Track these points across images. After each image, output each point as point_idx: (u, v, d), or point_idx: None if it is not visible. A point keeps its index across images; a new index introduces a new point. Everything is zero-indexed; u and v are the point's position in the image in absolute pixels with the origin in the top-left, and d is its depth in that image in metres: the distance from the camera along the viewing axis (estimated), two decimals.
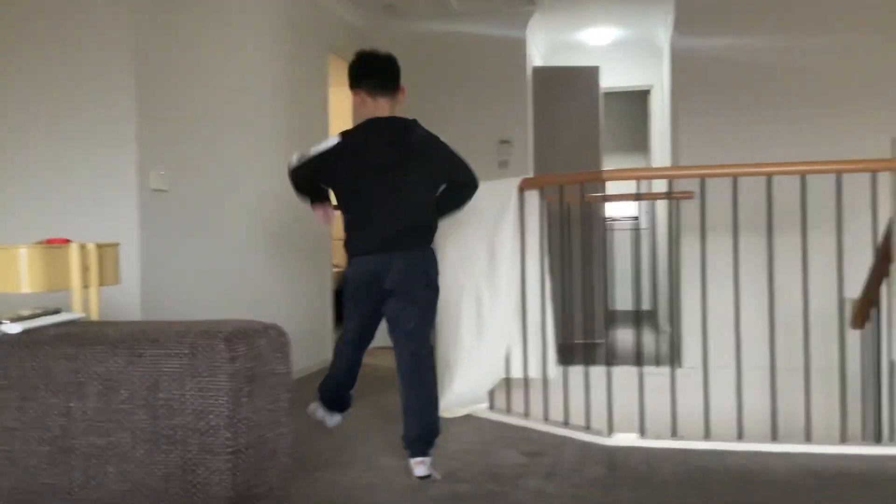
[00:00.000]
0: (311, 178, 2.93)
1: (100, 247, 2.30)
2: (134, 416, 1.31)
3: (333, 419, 3.23)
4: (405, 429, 2.91)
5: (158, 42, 3.58)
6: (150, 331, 1.37)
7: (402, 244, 2.84)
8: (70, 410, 1.35)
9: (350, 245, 2.91)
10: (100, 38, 3.40)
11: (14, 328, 1.44)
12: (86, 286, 2.23)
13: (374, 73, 2.96)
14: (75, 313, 1.55)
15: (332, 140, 2.89)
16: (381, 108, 2.95)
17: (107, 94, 3.39)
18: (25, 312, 1.50)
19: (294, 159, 2.94)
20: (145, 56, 3.46)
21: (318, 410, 3.22)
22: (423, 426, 2.89)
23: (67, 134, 3.43)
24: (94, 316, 2.25)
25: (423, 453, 2.85)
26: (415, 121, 3.01)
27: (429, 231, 2.94)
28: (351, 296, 2.95)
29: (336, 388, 3.15)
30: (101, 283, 2.29)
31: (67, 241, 2.23)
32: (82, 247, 2.23)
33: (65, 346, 1.38)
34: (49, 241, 2.21)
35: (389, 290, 2.85)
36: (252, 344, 1.34)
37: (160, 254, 3.54)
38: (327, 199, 3.01)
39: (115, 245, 2.40)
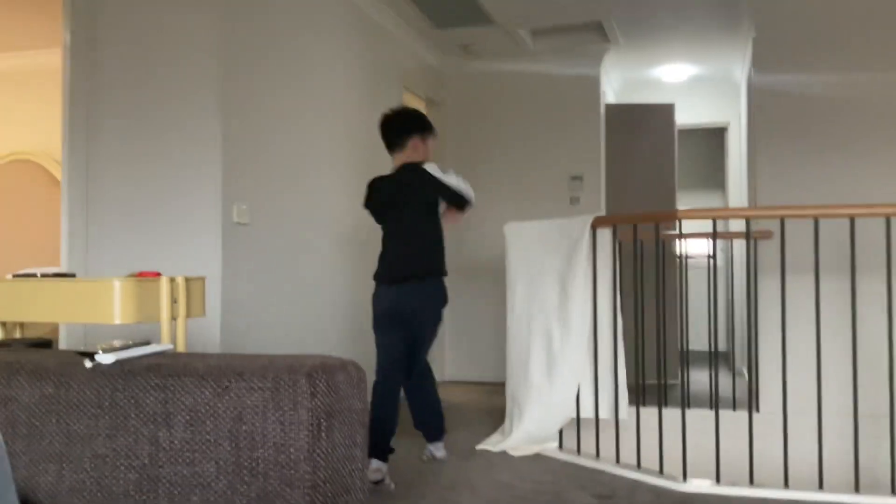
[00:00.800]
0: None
1: (188, 280, 2.39)
2: (218, 447, 1.36)
3: (373, 467, 3.18)
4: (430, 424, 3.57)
5: (242, 82, 3.73)
6: (236, 364, 1.42)
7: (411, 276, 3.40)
8: (158, 439, 1.40)
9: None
10: (190, 84, 3.56)
11: (107, 358, 1.50)
12: (174, 318, 2.32)
13: (382, 134, 3.55)
14: (164, 345, 1.61)
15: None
16: (395, 161, 3.52)
17: (195, 134, 3.54)
18: (118, 343, 1.57)
19: None
20: (230, 96, 3.61)
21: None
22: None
23: (158, 171, 3.59)
24: (182, 347, 2.33)
25: (440, 436, 3.62)
26: (421, 163, 3.44)
27: (430, 264, 3.43)
28: (376, 324, 3.49)
29: (374, 432, 3.14)
30: (189, 316, 2.38)
31: (158, 274, 2.32)
32: (172, 280, 2.33)
33: (154, 376, 1.44)
34: (141, 274, 2.31)
35: (405, 317, 3.36)
36: (331, 380, 1.37)
37: (241, 285, 3.65)
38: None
39: (201, 279, 2.49)
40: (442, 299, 3.45)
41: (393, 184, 3.45)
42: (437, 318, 3.48)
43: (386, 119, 3.55)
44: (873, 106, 4.61)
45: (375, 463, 3.17)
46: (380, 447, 3.21)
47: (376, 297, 3.46)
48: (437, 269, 3.43)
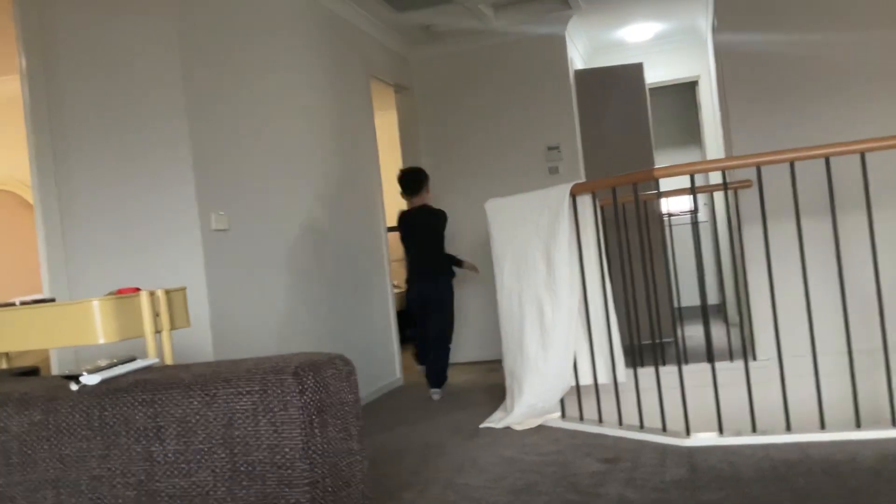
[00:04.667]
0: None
1: (168, 292, 2.37)
2: (213, 455, 1.35)
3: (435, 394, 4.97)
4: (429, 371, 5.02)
5: (206, 89, 3.69)
6: (222, 371, 1.41)
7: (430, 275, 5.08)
8: (152, 454, 1.39)
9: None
10: (153, 96, 3.52)
11: (93, 379, 1.49)
12: (158, 331, 2.30)
13: (403, 184, 5.13)
14: (149, 359, 1.60)
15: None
16: (412, 202, 5.12)
17: (164, 146, 3.51)
18: (103, 363, 1.56)
19: None
20: (195, 103, 3.57)
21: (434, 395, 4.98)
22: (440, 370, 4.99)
23: (131, 187, 3.55)
24: (169, 360, 2.32)
25: (439, 385, 4.99)
26: (429, 205, 5.14)
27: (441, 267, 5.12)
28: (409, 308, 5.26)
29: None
30: (172, 327, 2.36)
31: (137, 289, 2.31)
32: (151, 294, 2.31)
33: (142, 392, 1.43)
34: (120, 291, 2.29)
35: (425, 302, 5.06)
36: (319, 376, 1.37)
37: (227, 291, 3.63)
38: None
39: (182, 289, 2.48)
40: (450, 291, 5.11)
41: (418, 217, 5.09)
42: (444, 304, 5.07)
43: (404, 175, 5.20)
44: (839, 58, 4.62)
45: (435, 391, 4.95)
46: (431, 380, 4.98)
47: (408, 292, 5.18)
48: (448, 271, 5.13)
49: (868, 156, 3.18)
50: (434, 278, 5.02)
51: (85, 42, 3.60)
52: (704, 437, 3.26)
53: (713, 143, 7.20)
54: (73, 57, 3.60)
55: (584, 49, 7.33)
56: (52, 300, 2.42)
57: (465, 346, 6.16)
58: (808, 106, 4.61)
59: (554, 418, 3.85)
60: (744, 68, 4.74)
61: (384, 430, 4.13)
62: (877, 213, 3.22)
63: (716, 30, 5.24)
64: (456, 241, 6.23)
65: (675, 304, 5.00)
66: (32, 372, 2.06)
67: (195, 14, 3.68)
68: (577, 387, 3.80)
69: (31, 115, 3.55)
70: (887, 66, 4.53)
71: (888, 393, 3.23)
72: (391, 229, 5.67)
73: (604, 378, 3.77)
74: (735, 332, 5.42)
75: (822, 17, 4.64)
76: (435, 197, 6.52)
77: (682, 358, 3.53)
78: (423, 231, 5.07)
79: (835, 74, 4.59)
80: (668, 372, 3.50)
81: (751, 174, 3.44)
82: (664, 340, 4.55)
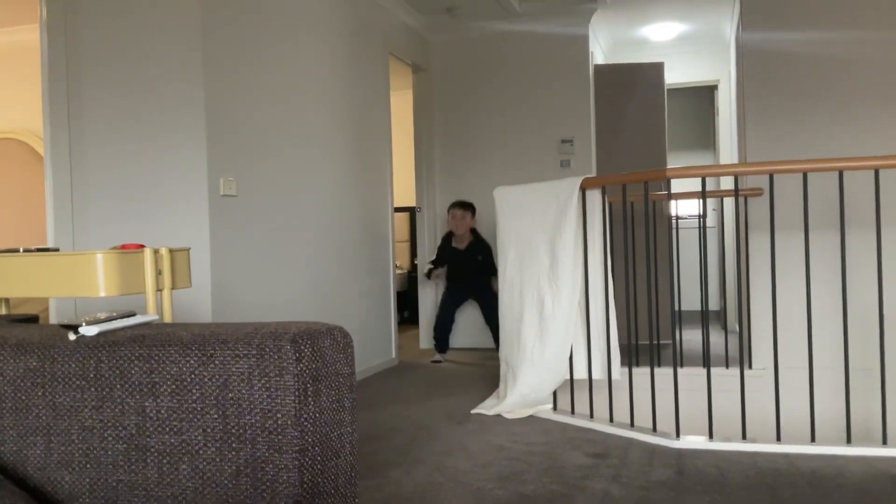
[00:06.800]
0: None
1: (172, 251, 2.37)
2: (205, 415, 1.35)
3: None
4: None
5: (224, 53, 3.68)
6: (220, 332, 1.41)
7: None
8: (145, 409, 1.40)
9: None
10: (171, 56, 3.51)
11: (91, 330, 1.49)
12: (159, 289, 2.31)
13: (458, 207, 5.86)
14: (149, 315, 1.60)
15: None
16: (462, 226, 5.81)
17: (178, 107, 3.51)
18: (102, 315, 1.56)
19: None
20: (213, 67, 3.56)
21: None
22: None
23: (142, 145, 3.55)
24: (168, 318, 2.33)
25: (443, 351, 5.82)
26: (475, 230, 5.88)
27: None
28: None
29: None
30: (174, 287, 2.36)
31: (141, 246, 2.31)
32: (155, 251, 2.31)
33: (139, 347, 1.43)
34: (124, 247, 2.29)
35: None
36: (317, 345, 1.37)
37: (230, 257, 3.64)
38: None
39: (186, 249, 2.48)
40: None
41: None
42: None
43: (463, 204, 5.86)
44: (862, 62, 4.59)
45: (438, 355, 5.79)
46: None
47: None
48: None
49: (881, 172, 3.16)
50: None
51: None
52: (694, 441, 3.26)
53: (727, 149, 7.17)
54: (93, 9, 3.59)
55: (605, 44, 7.29)
56: (56, 250, 2.43)
57: (464, 332, 6.17)
58: (827, 115, 4.58)
59: (545, 409, 3.86)
60: (765, 71, 4.72)
61: (376, 407, 4.14)
62: (885, 232, 3.21)
63: (741, 30, 5.21)
64: None
65: (676, 307, 4.99)
66: (32, 320, 2.06)
67: None
68: (571, 380, 3.81)
69: (48, 65, 3.55)
70: None
71: (881, 412, 3.23)
72: (398, 210, 5.72)
73: (598, 374, 3.77)
74: (733, 339, 5.42)
75: (847, 20, 4.60)
76: (444, 182, 6.52)
77: (678, 360, 3.53)
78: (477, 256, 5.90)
79: (855, 81, 4.56)
80: (663, 373, 3.51)
81: (763, 182, 3.43)
82: (662, 342, 4.55)
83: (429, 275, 6.13)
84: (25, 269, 2.22)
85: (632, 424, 3.50)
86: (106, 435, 1.41)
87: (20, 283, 2.24)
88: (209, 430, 1.35)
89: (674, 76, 7.16)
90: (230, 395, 1.34)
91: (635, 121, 6.48)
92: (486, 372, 5.04)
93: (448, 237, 5.93)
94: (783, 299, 3.39)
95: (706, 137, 8.26)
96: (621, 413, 3.59)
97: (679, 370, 3.40)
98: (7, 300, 2.45)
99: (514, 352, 3.88)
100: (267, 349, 1.34)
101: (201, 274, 3.39)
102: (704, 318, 3.78)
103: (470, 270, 5.78)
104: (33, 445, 1.46)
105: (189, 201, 3.50)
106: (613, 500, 2.61)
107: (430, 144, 6.53)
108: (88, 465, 1.42)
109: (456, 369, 5.38)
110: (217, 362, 1.36)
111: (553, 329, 3.75)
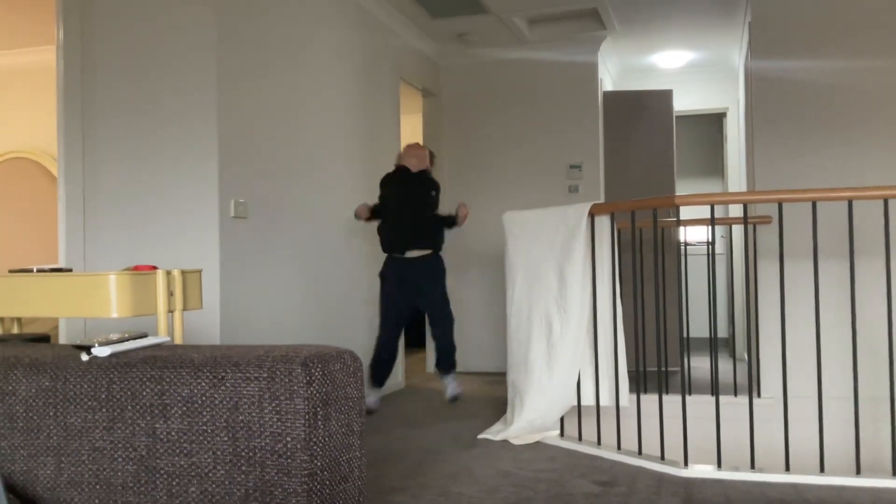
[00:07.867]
0: None
1: (184, 273, 2.39)
2: (215, 437, 1.36)
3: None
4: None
5: (237, 76, 3.72)
6: (232, 355, 1.42)
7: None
8: (155, 431, 1.40)
9: None
10: (185, 78, 3.55)
11: (103, 351, 1.50)
12: (170, 311, 2.32)
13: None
14: (161, 337, 1.61)
15: None
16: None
17: (191, 129, 3.54)
18: (114, 336, 1.57)
19: None
20: (226, 90, 3.60)
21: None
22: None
23: (155, 167, 3.59)
24: (179, 339, 2.34)
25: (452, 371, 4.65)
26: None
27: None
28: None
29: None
30: (185, 308, 2.38)
31: (154, 267, 2.32)
32: (167, 273, 2.33)
33: (151, 368, 1.44)
34: (136, 268, 2.31)
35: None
36: (327, 369, 1.37)
37: (239, 278, 3.65)
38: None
39: (198, 271, 2.49)
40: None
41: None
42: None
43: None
44: (871, 91, 4.60)
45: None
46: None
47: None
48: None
49: (891, 202, 3.16)
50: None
51: (122, 19, 3.65)
52: (702, 470, 3.24)
53: (735, 177, 7.18)
54: (109, 32, 3.65)
55: (614, 71, 7.33)
56: (70, 270, 2.45)
57: (472, 356, 6.16)
58: (835, 143, 4.59)
59: (552, 436, 3.84)
60: (774, 98, 4.73)
61: (382, 431, 4.13)
62: (894, 261, 3.20)
63: (749, 58, 5.24)
64: (471, 251, 6.25)
65: (684, 334, 4.98)
66: (43, 339, 2.08)
67: (232, 1, 3.71)
68: (579, 406, 3.79)
69: (63, 86, 3.60)
70: None
71: (891, 442, 3.20)
72: None
73: (606, 400, 3.75)
74: (741, 368, 5.39)
75: (855, 49, 4.62)
76: (452, 206, 6.55)
77: (686, 388, 3.51)
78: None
79: (865, 109, 4.57)
80: (672, 401, 3.49)
81: (771, 210, 3.43)
82: (670, 369, 4.54)
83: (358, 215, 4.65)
84: (39, 289, 2.24)
85: (640, 452, 3.48)
86: (116, 456, 1.41)
87: (33, 302, 2.26)
88: (219, 453, 1.35)
89: (682, 103, 7.19)
90: (240, 417, 1.35)
91: (644, 147, 6.50)
92: (493, 396, 5.02)
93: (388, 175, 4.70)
94: (792, 327, 3.38)
95: (715, 164, 8.27)
96: (629, 440, 3.56)
97: (687, 398, 3.38)
98: (19, 319, 2.46)
99: (522, 377, 3.87)
100: (278, 372, 1.34)
101: (210, 294, 3.41)
102: (713, 345, 3.77)
103: (421, 204, 4.55)
104: (44, 465, 1.47)
105: (200, 222, 3.52)
106: None
107: (438, 168, 6.55)
108: (98, 486, 1.42)
109: (464, 393, 5.36)
110: (228, 385, 1.37)
111: (561, 354, 3.74)
